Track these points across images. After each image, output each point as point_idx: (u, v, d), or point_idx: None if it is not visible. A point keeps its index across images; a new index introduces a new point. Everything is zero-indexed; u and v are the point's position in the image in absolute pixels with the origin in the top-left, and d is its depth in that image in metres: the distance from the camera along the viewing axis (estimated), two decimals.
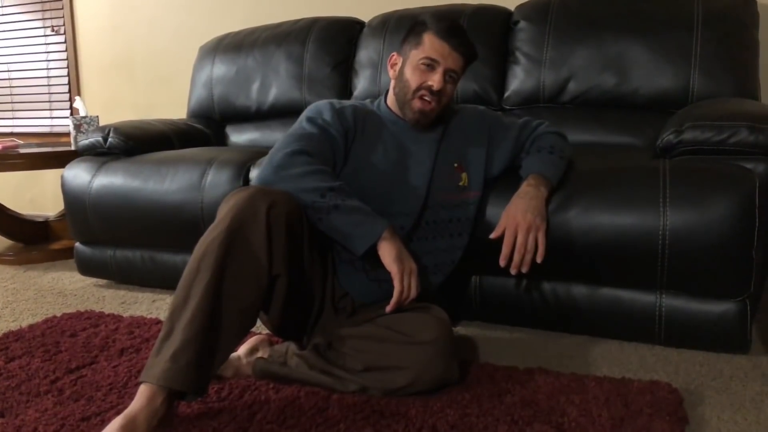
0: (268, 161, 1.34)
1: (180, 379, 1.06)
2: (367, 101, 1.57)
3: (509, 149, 1.57)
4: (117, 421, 1.03)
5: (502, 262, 1.39)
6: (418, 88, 1.41)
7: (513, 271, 1.39)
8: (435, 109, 1.43)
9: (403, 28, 2.33)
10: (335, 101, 1.49)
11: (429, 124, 1.48)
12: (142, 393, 1.07)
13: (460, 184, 1.50)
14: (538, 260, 1.39)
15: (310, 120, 1.42)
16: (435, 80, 1.40)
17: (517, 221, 1.39)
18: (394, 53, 1.50)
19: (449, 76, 1.42)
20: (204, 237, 1.17)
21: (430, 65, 1.40)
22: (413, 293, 1.28)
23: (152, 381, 1.06)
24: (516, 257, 1.38)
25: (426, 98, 1.41)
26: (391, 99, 1.51)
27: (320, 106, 1.45)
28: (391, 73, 1.51)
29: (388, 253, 1.26)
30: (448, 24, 1.41)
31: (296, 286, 1.28)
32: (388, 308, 1.28)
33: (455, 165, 1.50)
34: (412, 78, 1.42)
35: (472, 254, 1.53)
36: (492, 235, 1.42)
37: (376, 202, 1.37)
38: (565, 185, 1.51)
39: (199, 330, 1.09)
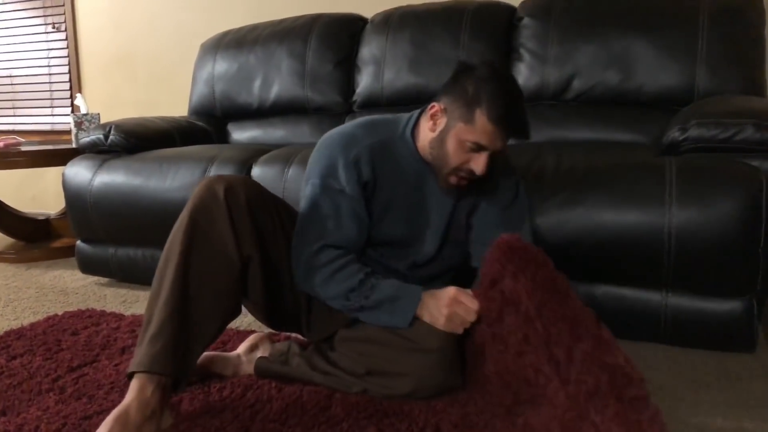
0: (297, 257, 1.30)
1: (159, 362, 1.09)
2: (386, 121, 1.39)
3: (493, 213, 1.39)
4: (111, 415, 1.04)
5: None
6: (459, 168, 1.27)
7: None
8: (468, 185, 1.31)
9: (406, 24, 2.33)
10: (349, 141, 1.32)
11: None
12: (133, 385, 1.10)
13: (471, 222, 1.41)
14: None
15: (325, 188, 1.30)
16: (479, 166, 1.24)
17: None
18: (436, 104, 1.30)
19: (495, 155, 1.26)
20: (171, 232, 1.21)
21: (477, 150, 1.24)
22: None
23: (134, 368, 1.10)
24: None
25: (463, 179, 1.28)
26: (422, 146, 1.33)
27: (333, 161, 1.30)
28: (429, 125, 1.31)
29: (431, 321, 1.22)
30: (508, 109, 1.22)
31: (273, 269, 1.29)
32: None
33: (472, 206, 1.39)
34: (454, 155, 1.26)
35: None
36: None
37: (396, 246, 1.36)
38: (571, 183, 1.50)
39: (172, 313, 1.12)
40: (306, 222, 1.31)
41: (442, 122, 1.29)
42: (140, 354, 1.10)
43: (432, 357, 1.21)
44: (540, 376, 1.05)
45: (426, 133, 1.33)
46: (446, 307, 1.20)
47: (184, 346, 1.13)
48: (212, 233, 1.19)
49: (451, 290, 1.22)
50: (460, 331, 1.21)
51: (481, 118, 1.22)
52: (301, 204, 1.33)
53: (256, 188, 1.29)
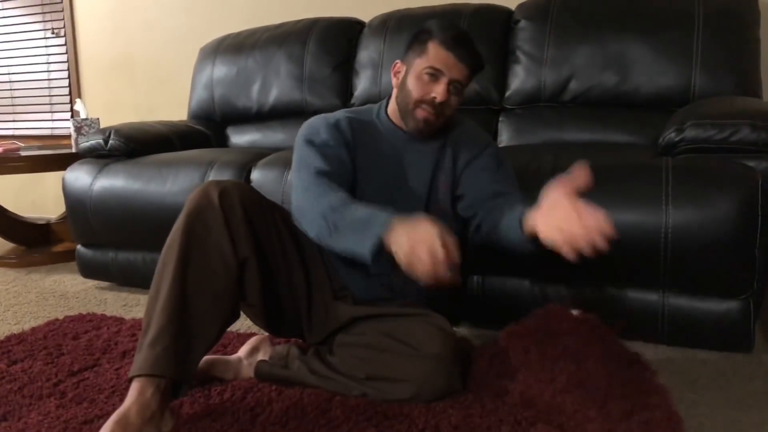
0: (293, 192, 1.35)
1: (160, 364, 1.10)
2: (365, 108, 1.52)
3: (479, 187, 1.41)
4: (111, 419, 1.05)
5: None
6: (421, 100, 1.35)
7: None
8: (438, 120, 1.38)
9: (403, 28, 2.34)
10: (328, 115, 1.44)
11: (431, 134, 1.42)
12: (132, 389, 1.10)
13: (458, 193, 1.45)
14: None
15: (309, 143, 1.37)
16: (438, 92, 1.33)
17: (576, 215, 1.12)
18: (398, 61, 1.44)
19: (453, 87, 1.35)
20: (168, 237, 1.22)
21: (434, 75, 1.33)
22: (449, 257, 1.07)
23: (135, 372, 1.10)
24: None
25: (428, 109, 1.36)
26: (392, 108, 1.45)
27: (314, 124, 1.41)
28: (394, 81, 1.44)
29: (395, 250, 1.10)
30: (454, 33, 1.35)
31: (270, 271, 1.30)
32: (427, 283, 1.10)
33: (456, 176, 1.45)
34: (414, 88, 1.36)
35: (473, 254, 1.53)
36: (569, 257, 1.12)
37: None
38: None
39: (172, 316, 1.13)
40: (297, 172, 1.36)
41: (402, 70, 1.41)
42: (140, 358, 1.11)
43: (431, 363, 1.21)
44: (579, 414, 1.10)
45: (393, 93, 1.44)
46: (412, 241, 1.08)
47: (184, 350, 1.13)
48: (208, 237, 1.21)
49: (425, 225, 1.10)
50: (422, 273, 1.07)
51: (432, 45, 1.34)
52: (293, 169, 1.39)
53: (251, 192, 1.31)
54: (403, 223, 1.13)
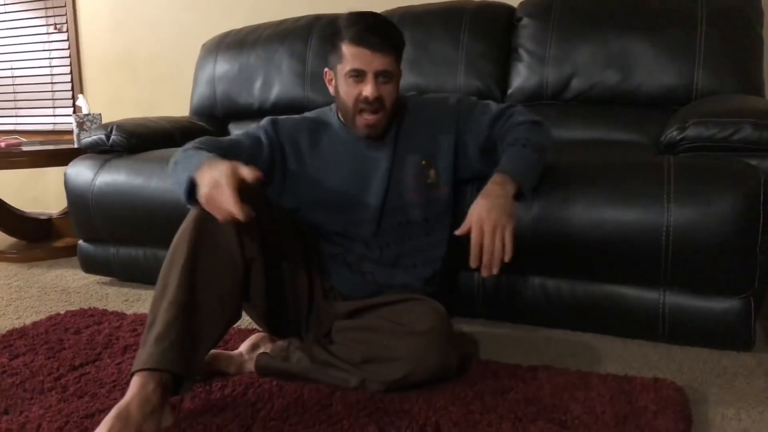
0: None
1: (165, 359, 1.09)
2: (327, 108, 1.52)
3: (482, 139, 1.45)
4: (112, 412, 1.05)
5: (473, 264, 1.26)
6: (356, 103, 1.35)
7: (483, 274, 1.26)
8: (381, 119, 1.37)
9: (405, 26, 2.34)
10: (284, 117, 1.48)
11: (382, 133, 1.41)
12: (134, 383, 1.10)
13: (429, 181, 1.44)
14: (506, 260, 1.26)
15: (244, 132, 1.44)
16: (368, 90, 1.32)
17: (482, 220, 1.26)
18: (326, 69, 1.43)
19: (382, 77, 1.33)
20: (177, 233, 1.22)
21: (358, 75, 1.32)
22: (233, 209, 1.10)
23: (138, 366, 1.09)
24: (485, 259, 1.25)
25: (367, 112, 1.35)
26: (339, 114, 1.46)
27: (265, 119, 1.47)
28: (330, 90, 1.43)
29: (199, 186, 1.16)
30: (360, 26, 1.31)
31: (275, 272, 1.30)
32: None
33: (423, 162, 1.44)
34: (346, 95, 1.35)
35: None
36: (457, 232, 1.29)
37: (337, 213, 1.41)
38: (569, 181, 1.51)
39: (179, 313, 1.13)
40: None
41: (333, 80, 1.41)
42: (145, 353, 1.11)
43: (424, 339, 1.22)
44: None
45: (335, 102, 1.44)
46: (209, 183, 1.14)
47: (189, 347, 1.13)
48: (217, 236, 1.20)
49: (221, 165, 1.13)
50: (219, 214, 1.14)
51: (345, 47, 1.33)
52: None
53: (260, 193, 1.31)
54: (208, 163, 1.16)
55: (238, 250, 1.21)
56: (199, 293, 1.16)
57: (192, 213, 1.22)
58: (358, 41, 1.30)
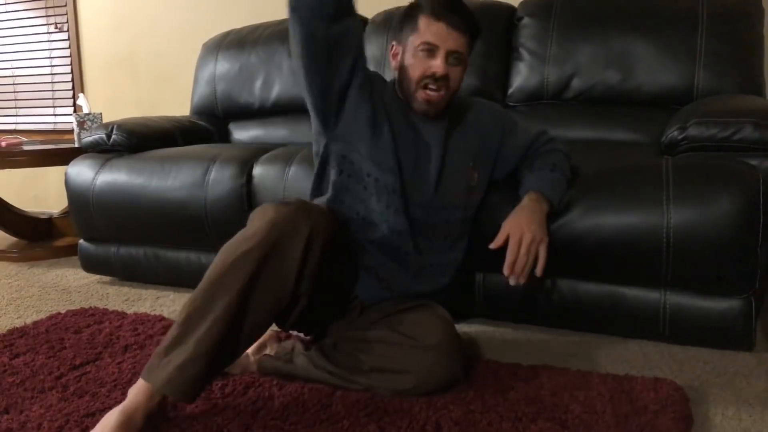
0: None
1: (182, 390, 1.06)
2: (384, 81, 1.45)
3: (518, 157, 1.52)
4: (115, 416, 1.04)
5: (506, 271, 1.33)
6: (422, 77, 1.31)
7: (512, 282, 1.34)
8: (443, 97, 1.34)
9: None
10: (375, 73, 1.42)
11: (439, 112, 1.38)
12: (142, 390, 1.07)
13: (472, 184, 1.45)
14: (538, 274, 1.34)
15: None
16: (437, 66, 1.29)
17: (522, 230, 1.34)
18: (394, 42, 1.39)
19: (453, 58, 1.31)
20: (235, 244, 1.12)
21: (430, 50, 1.30)
22: None
23: (156, 384, 1.06)
24: (518, 267, 1.33)
25: (431, 87, 1.32)
26: (398, 90, 1.41)
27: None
28: (393, 64, 1.39)
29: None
30: (441, 2, 1.30)
31: (313, 305, 1.23)
32: None
33: (470, 165, 1.44)
34: (413, 68, 1.32)
35: (475, 252, 1.53)
36: (492, 245, 1.36)
37: (390, 190, 1.34)
38: (569, 185, 1.51)
39: (214, 345, 1.07)
40: None
41: (399, 51, 1.37)
42: (165, 372, 1.05)
43: (431, 353, 1.22)
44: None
45: (396, 78, 1.40)
46: None
47: (209, 375, 1.10)
48: (280, 270, 1.12)
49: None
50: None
51: (423, 19, 1.30)
52: None
53: (334, 228, 1.24)
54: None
55: (293, 287, 1.13)
56: (242, 326, 1.09)
57: (261, 231, 1.11)
58: (438, 15, 1.28)
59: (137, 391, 1.08)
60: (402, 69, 1.36)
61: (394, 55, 1.39)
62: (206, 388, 1.14)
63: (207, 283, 1.10)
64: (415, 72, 1.32)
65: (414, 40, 1.32)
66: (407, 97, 1.37)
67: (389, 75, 1.48)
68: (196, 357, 1.05)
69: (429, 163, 1.39)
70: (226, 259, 1.10)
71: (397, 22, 1.38)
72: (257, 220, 1.14)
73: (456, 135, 1.43)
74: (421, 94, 1.33)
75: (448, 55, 1.30)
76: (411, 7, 1.35)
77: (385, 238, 1.36)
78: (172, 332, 1.09)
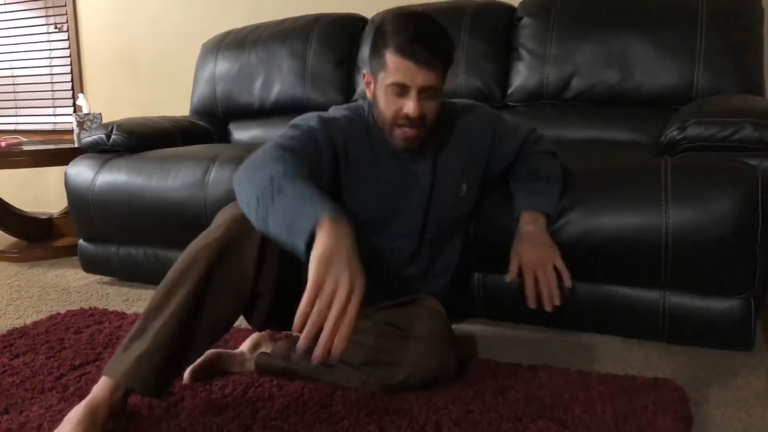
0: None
1: (140, 382, 1.07)
2: (357, 106, 1.41)
3: (510, 159, 1.51)
4: (78, 412, 1.05)
5: (532, 305, 1.34)
6: (396, 118, 1.26)
7: (548, 308, 1.34)
8: (420, 134, 1.29)
9: None
10: (323, 113, 1.35)
11: (418, 147, 1.34)
12: (105, 385, 1.08)
13: (461, 195, 1.45)
14: (567, 285, 1.35)
15: (294, 126, 1.27)
16: (410, 108, 1.22)
17: (530, 264, 1.36)
18: (365, 72, 1.33)
19: (426, 94, 1.23)
20: (197, 241, 1.15)
21: (401, 89, 1.22)
22: (340, 331, 0.95)
23: (114, 377, 1.07)
24: (544, 294, 1.34)
25: (406, 128, 1.26)
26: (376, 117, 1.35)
27: (307, 115, 1.32)
28: (367, 93, 1.34)
29: (315, 250, 0.94)
30: (409, 36, 1.19)
31: (282, 304, 1.21)
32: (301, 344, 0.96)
33: (459, 178, 1.43)
34: (385, 107, 1.26)
35: (474, 252, 1.53)
36: (508, 278, 1.38)
37: (375, 225, 1.37)
38: (567, 186, 1.51)
39: (170, 338, 1.08)
40: (266, 145, 1.20)
41: (372, 82, 1.31)
42: (124, 365, 1.07)
43: (422, 344, 1.22)
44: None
45: (374, 106, 1.33)
46: (326, 260, 0.92)
47: (169, 372, 1.10)
48: (236, 267, 1.13)
49: (348, 239, 0.95)
50: (329, 295, 0.93)
51: (389, 56, 1.21)
52: None
53: None
54: (334, 236, 0.94)
55: (251, 284, 1.14)
56: (199, 319, 1.10)
57: (220, 228, 1.13)
58: (404, 53, 1.19)
59: (100, 386, 1.08)
60: (376, 104, 1.31)
61: (367, 84, 1.33)
62: (171, 382, 1.13)
63: (167, 279, 1.12)
64: (388, 111, 1.26)
65: (383, 79, 1.24)
66: (385, 133, 1.33)
67: None
68: (153, 349, 1.07)
69: (417, 193, 1.39)
70: (187, 256, 1.13)
71: (369, 47, 1.31)
72: (220, 218, 1.17)
73: (444, 153, 1.40)
74: (398, 132, 1.28)
75: (421, 92, 1.23)
76: (378, 34, 1.26)
77: (375, 253, 1.38)
78: (133, 327, 1.11)
